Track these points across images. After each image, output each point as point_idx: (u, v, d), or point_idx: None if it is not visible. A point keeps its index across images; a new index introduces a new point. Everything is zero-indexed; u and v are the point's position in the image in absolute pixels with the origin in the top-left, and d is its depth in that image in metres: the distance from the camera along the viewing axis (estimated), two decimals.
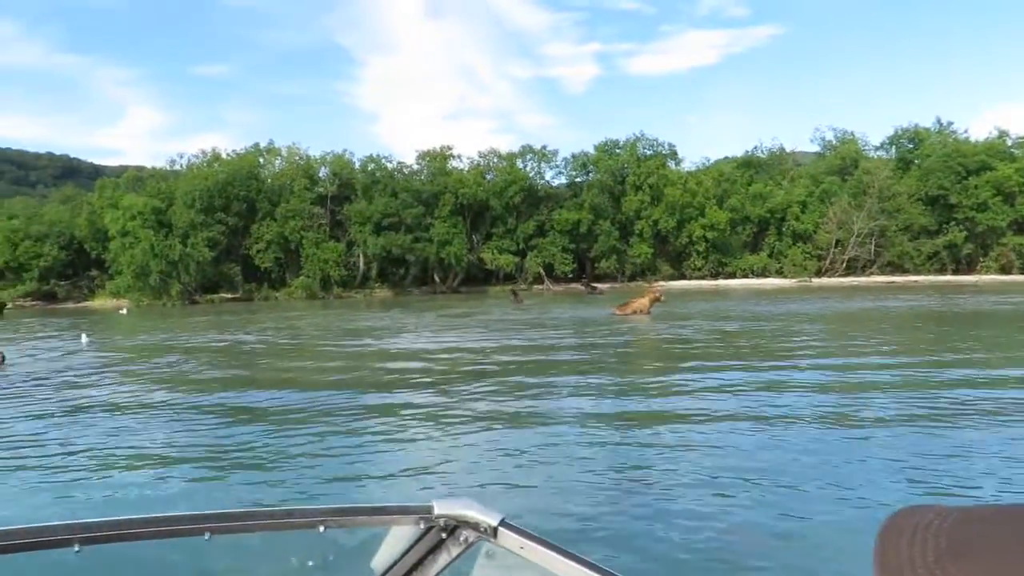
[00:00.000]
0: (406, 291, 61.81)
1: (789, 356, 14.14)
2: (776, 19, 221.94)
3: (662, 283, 61.69)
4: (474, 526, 1.35)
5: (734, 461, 6.90)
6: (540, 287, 62.44)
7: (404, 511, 1.38)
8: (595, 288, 54.54)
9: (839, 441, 7.58)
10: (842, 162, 66.17)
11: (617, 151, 64.84)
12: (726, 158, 73.70)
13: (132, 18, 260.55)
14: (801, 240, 62.60)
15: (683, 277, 63.06)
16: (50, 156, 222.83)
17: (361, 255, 61.20)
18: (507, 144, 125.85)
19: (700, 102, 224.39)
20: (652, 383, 11.34)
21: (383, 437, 8.38)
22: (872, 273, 60.31)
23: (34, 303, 61.36)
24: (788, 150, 73.10)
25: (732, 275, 62.59)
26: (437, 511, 1.35)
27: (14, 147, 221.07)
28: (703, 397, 10.07)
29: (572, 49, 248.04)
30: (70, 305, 60.69)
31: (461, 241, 60.57)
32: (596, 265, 63.40)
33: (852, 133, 69.53)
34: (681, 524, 5.35)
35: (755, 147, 72.57)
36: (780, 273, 62.27)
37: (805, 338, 17.65)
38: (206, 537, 1.21)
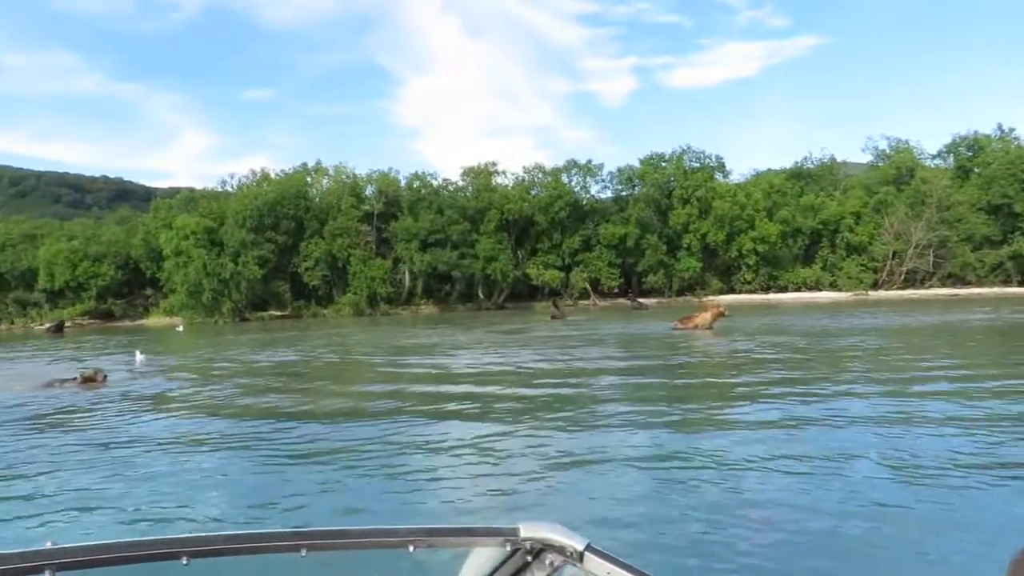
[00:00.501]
0: (451, 307, 61.84)
1: (880, 380, 13.12)
2: (817, 29, 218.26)
3: (712, 297, 60.54)
4: (560, 550, 1.35)
5: (858, 512, 6.20)
6: (586, 302, 61.78)
7: (490, 533, 1.38)
8: (641, 304, 53.62)
9: (985, 488, 6.67)
10: (897, 171, 64.15)
11: (663, 164, 64.01)
12: (769, 170, 72.27)
13: (182, 46, 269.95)
14: (856, 252, 60.78)
15: (733, 291, 61.72)
16: (105, 179, 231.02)
17: (407, 272, 61.44)
18: (546, 159, 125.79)
19: (741, 114, 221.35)
20: (736, 414, 10.50)
21: (450, 472, 7.91)
22: (932, 285, 58.11)
23: (92, 321, 63.07)
24: (839, 160, 71.21)
25: (784, 289, 61.07)
26: (523, 534, 1.36)
27: (71, 171, 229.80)
28: (799, 431, 9.19)
29: (610, 63, 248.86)
30: (126, 323, 62.24)
31: (507, 257, 60.40)
32: (643, 280, 62.51)
33: (907, 142, 67.52)
34: None
35: (804, 158, 70.94)
36: (834, 286, 60.49)
37: (886, 357, 16.71)
38: (303, 553, 1.27)
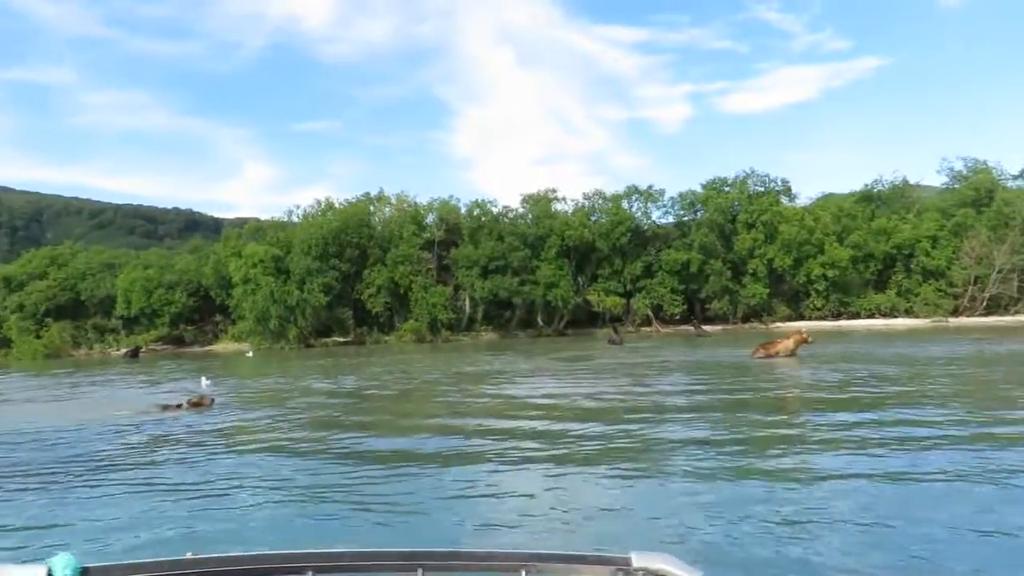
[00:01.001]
0: (511, 334, 61.65)
1: (1005, 419, 11.82)
2: (879, 51, 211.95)
3: (779, 324, 58.69)
4: None
5: None
6: (648, 329, 60.74)
7: (602, 561, 1.38)
8: (704, 331, 52.24)
9: None
10: (976, 193, 61.37)
11: (726, 188, 62.82)
12: (831, 194, 70.12)
13: (246, 81, 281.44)
14: (933, 277, 58.11)
15: (801, 317, 59.68)
16: (176, 211, 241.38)
17: (467, 298, 61.65)
18: (599, 186, 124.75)
19: (801, 138, 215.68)
20: (856, 462, 9.27)
21: (545, 524, 7.48)
22: (1018, 311, 55.01)
23: (164, 347, 65.26)
24: (912, 182, 68.51)
25: (856, 315, 58.74)
26: (636, 563, 1.35)
27: (145, 204, 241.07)
28: (935, 486, 8.11)
29: (664, 90, 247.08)
30: (196, 349, 64.16)
31: (567, 283, 60.00)
32: (707, 306, 61.13)
33: (985, 162, 64.56)
34: None
35: (875, 180, 68.55)
36: (910, 313, 57.88)
37: (997, 391, 15.52)
38: (419, 574, 1.32)
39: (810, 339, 26.29)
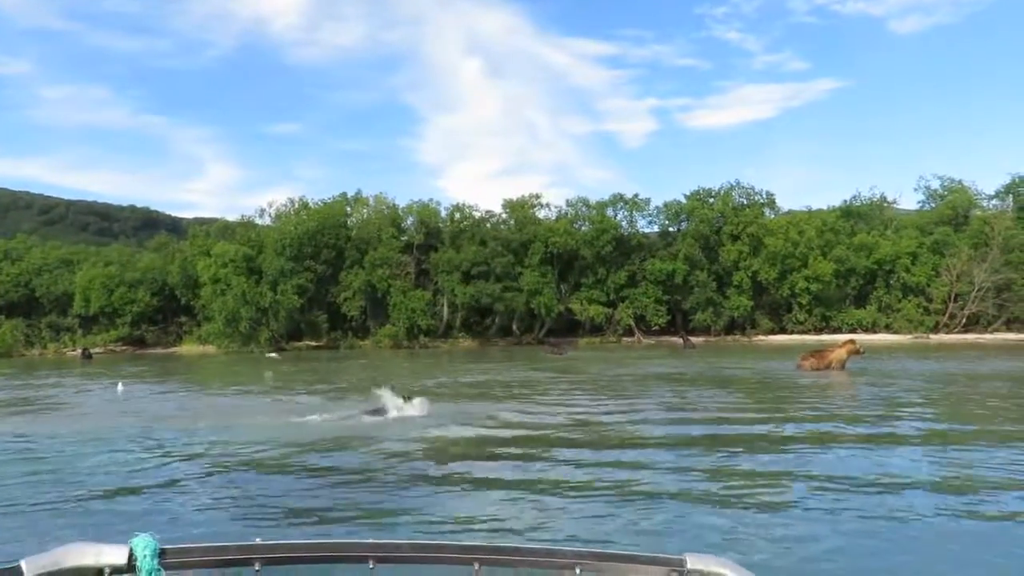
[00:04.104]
0: (491, 341, 60.12)
1: None
2: (834, 73, 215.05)
3: (762, 337, 58.38)
4: None
5: None
6: (629, 339, 59.83)
7: (656, 561, 1.39)
8: (691, 342, 51.12)
9: None
10: (953, 212, 62.20)
11: (710, 200, 62.43)
12: (791, 211, 70.12)
13: (211, 81, 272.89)
14: (913, 294, 58.47)
15: (783, 331, 59.59)
16: (132, 208, 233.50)
17: (446, 304, 59.89)
18: (565, 197, 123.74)
19: (762, 154, 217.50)
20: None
21: None
22: (996, 329, 55.63)
23: (124, 348, 61.97)
24: (889, 200, 69.15)
25: (837, 330, 58.63)
26: (690, 565, 1.34)
27: (100, 200, 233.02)
28: None
29: (629, 104, 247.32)
30: (158, 351, 61.00)
31: (551, 290, 58.71)
32: (690, 317, 60.44)
33: (961, 182, 65.49)
34: None
35: (853, 196, 69.05)
36: (890, 328, 58.13)
37: None
38: (475, 567, 1.35)
39: (862, 350, 24.68)
